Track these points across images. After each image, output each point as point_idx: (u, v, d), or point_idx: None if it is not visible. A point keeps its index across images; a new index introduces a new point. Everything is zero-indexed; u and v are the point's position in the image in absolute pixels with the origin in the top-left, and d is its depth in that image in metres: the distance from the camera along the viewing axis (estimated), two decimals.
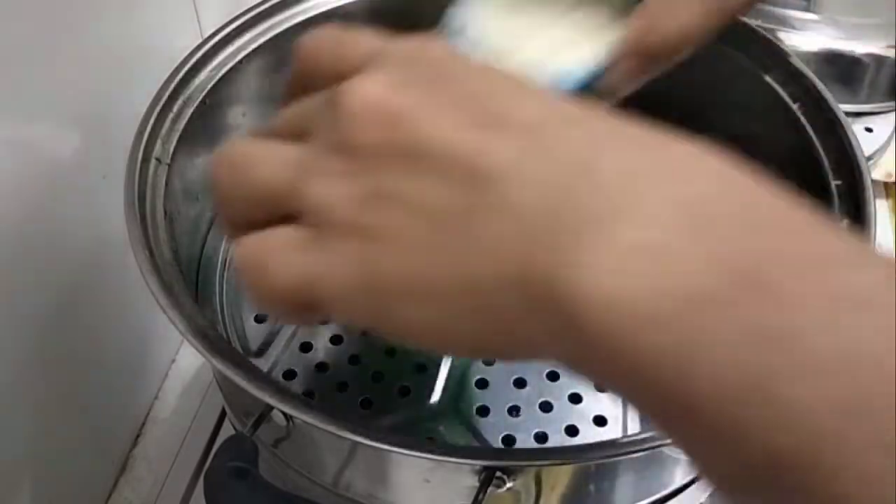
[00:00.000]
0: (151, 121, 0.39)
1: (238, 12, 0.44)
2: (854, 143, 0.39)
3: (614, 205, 0.17)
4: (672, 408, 0.16)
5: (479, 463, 0.30)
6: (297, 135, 0.22)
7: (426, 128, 0.19)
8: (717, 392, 0.16)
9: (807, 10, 0.60)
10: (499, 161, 0.18)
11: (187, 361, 0.59)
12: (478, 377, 0.38)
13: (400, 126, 0.19)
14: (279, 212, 0.22)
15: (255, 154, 0.22)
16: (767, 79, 0.43)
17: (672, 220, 0.17)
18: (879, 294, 0.16)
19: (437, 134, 0.19)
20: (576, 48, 0.32)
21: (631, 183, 0.17)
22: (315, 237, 0.21)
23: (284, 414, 0.31)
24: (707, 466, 0.18)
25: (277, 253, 0.21)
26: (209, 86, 0.42)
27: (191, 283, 0.38)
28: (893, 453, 0.14)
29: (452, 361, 0.39)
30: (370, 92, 0.20)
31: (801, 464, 0.15)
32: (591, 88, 0.32)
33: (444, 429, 0.37)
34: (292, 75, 0.24)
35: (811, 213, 0.17)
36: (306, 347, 0.39)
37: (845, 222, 0.37)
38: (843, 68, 0.61)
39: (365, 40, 0.23)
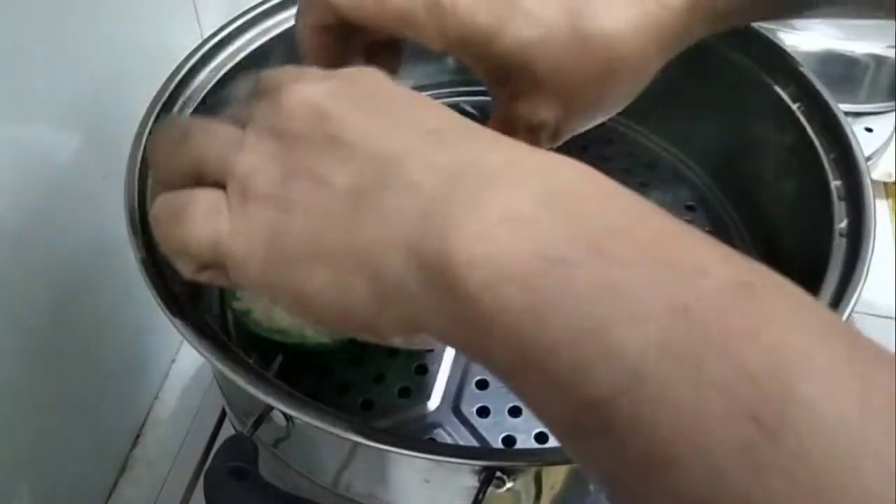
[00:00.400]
0: (151, 121, 0.39)
1: (238, 12, 0.44)
2: (854, 143, 0.39)
3: (493, 189, 0.20)
4: (524, 359, 0.19)
5: (479, 463, 0.30)
6: (238, 122, 0.25)
7: (347, 123, 0.23)
8: (564, 341, 0.18)
9: None
10: (403, 150, 0.22)
11: (187, 361, 0.59)
12: (478, 378, 0.38)
13: (325, 120, 0.23)
14: (208, 179, 0.24)
15: (195, 127, 0.26)
16: (767, 79, 0.44)
17: (538, 201, 0.20)
18: (706, 264, 0.19)
19: (355, 128, 0.23)
20: None
21: (508, 173, 0.21)
22: (234, 204, 0.24)
23: (284, 414, 0.31)
24: (550, 416, 0.20)
25: (197, 210, 0.24)
26: (209, 86, 0.42)
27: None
28: (704, 391, 0.17)
29: (452, 363, 0.39)
30: (306, 92, 0.24)
31: (628, 400, 0.18)
32: None
33: (445, 430, 0.37)
34: (250, 96, 0.27)
35: (654, 205, 0.21)
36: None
37: (845, 222, 0.37)
38: (843, 68, 0.61)
39: (318, 71, 0.26)
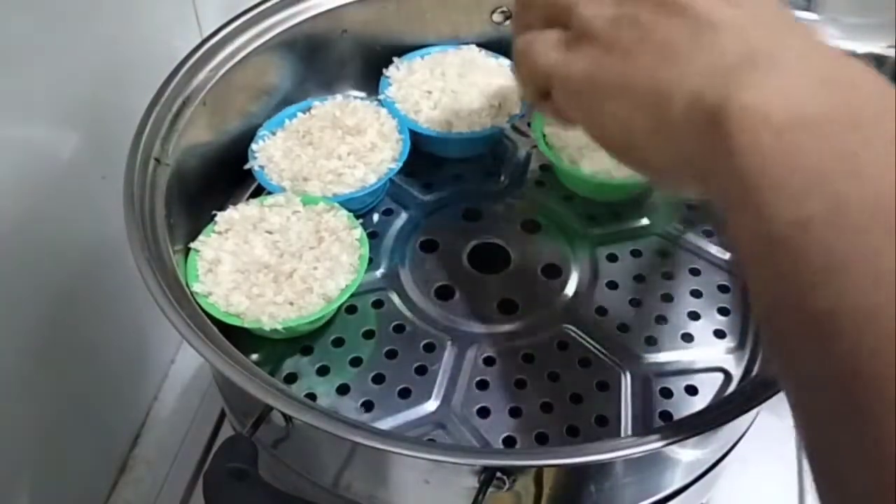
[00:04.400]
0: (150, 121, 0.39)
1: (237, 12, 0.44)
2: None
3: (781, 65, 0.25)
4: (773, 196, 0.22)
5: (479, 463, 0.30)
6: None
7: None
8: (797, 185, 0.22)
9: (807, 9, 0.60)
10: (723, 18, 0.26)
11: (186, 362, 0.59)
12: (478, 378, 0.38)
13: None
14: (556, 22, 0.30)
15: None
16: None
17: (811, 79, 0.24)
18: None
19: None
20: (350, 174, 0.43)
21: (794, 55, 0.25)
22: (570, 41, 0.29)
23: (284, 414, 0.31)
24: (763, 287, 0.23)
25: (540, 45, 0.31)
26: (208, 86, 0.42)
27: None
28: None
29: (452, 363, 0.39)
30: None
31: (841, 267, 0.21)
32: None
33: (445, 430, 0.37)
34: None
35: None
36: (307, 351, 0.39)
37: None
38: None
39: None
